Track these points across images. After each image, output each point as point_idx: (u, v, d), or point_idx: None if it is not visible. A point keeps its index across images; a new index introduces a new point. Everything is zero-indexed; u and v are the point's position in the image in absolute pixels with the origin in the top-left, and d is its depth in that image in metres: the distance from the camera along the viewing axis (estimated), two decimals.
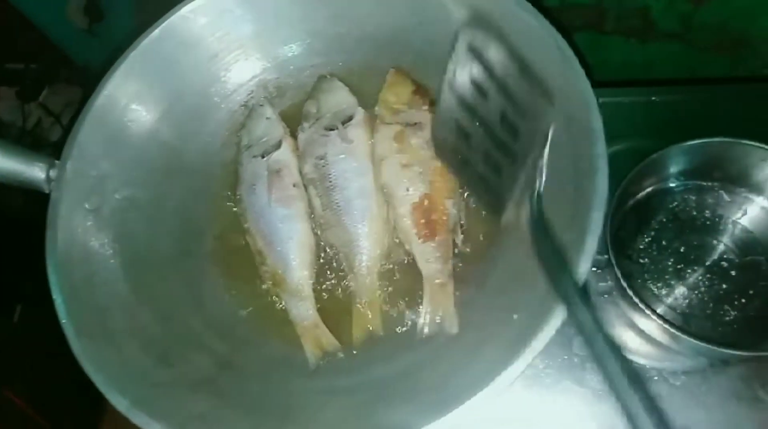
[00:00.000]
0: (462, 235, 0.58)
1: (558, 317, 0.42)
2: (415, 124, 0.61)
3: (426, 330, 0.55)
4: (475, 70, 0.37)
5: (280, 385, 0.53)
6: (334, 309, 0.59)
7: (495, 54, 0.37)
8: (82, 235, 0.55)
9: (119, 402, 0.47)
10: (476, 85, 0.38)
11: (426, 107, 0.62)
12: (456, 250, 0.58)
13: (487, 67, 0.38)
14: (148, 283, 0.58)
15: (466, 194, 0.60)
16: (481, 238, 0.58)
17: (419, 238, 0.57)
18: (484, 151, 0.41)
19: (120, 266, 0.56)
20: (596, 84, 0.49)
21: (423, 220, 0.57)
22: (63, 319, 0.50)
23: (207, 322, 0.58)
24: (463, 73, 0.38)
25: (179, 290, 0.59)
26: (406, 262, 0.59)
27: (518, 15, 0.53)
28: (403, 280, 0.59)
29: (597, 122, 0.47)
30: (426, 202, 0.58)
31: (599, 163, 0.45)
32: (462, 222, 0.59)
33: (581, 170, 0.47)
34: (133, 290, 0.56)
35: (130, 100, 0.60)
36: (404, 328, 0.56)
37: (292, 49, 0.67)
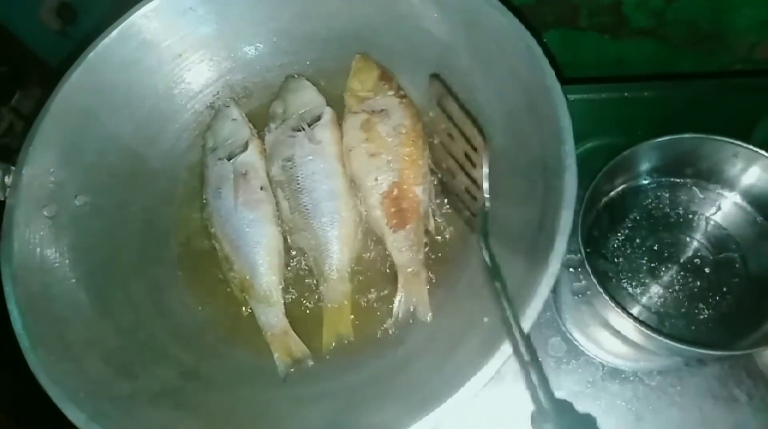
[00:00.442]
0: (433, 221, 0.58)
1: (528, 321, 0.42)
2: (381, 110, 0.60)
3: (400, 316, 0.54)
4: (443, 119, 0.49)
5: (249, 395, 0.52)
6: (304, 315, 0.57)
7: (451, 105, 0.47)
8: (40, 244, 0.53)
9: (76, 416, 0.45)
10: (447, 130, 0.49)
11: (391, 93, 0.61)
12: (427, 239, 0.57)
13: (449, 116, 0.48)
14: (110, 291, 0.56)
15: (436, 182, 0.59)
16: (452, 240, 0.57)
17: (390, 228, 0.56)
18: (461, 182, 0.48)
19: (80, 275, 0.54)
20: (568, 81, 0.49)
21: (393, 209, 0.57)
22: (18, 331, 0.48)
23: (172, 332, 0.56)
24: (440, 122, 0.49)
25: (142, 298, 0.57)
26: (377, 265, 0.58)
27: (487, 12, 0.52)
28: (374, 280, 0.58)
29: (566, 121, 0.46)
30: (395, 191, 0.57)
31: (568, 161, 0.45)
32: (432, 207, 0.58)
33: (551, 169, 0.47)
34: (94, 299, 0.54)
35: (88, 103, 0.58)
36: (376, 334, 0.55)
37: (259, 48, 0.65)
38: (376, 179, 0.58)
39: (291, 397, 0.52)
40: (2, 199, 0.53)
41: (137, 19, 0.59)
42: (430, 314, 0.54)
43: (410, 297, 0.55)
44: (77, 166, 0.58)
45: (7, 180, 0.53)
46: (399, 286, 0.55)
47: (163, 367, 0.53)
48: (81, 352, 0.50)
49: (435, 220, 0.58)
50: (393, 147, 0.58)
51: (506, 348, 0.41)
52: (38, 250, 0.53)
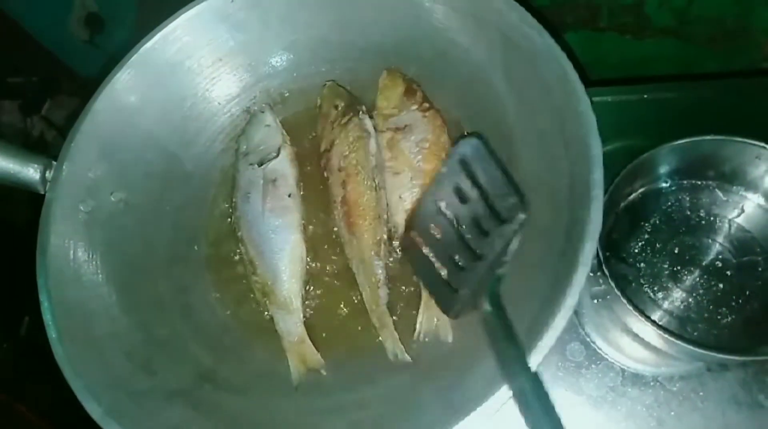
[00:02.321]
0: None
1: (546, 345, 0.41)
2: (405, 126, 0.60)
3: (422, 336, 0.54)
4: (461, 179, 0.40)
5: (263, 401, 0.52)
6: (323, 324, 0.58)
7: (482, 165, 0.40)
8: (74, 238, 0.54)
9: (94, 409, 0.45)
10: (459, 193, 0.41)
11: (415, 107, 0.60)
12: None
13: (473, 177, 0.40)
14: (138, 287, 0.57)
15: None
16: None
17: None
18: (450, 254, 0.42)
19: (110, 270, 0.55)
20: (588, 83, 0.47)
21: None
22: (47, 321, 0.50)
23: (194, 331, 0.57)
24: (450, 183, 0.41)
25: (168, 297, 0.58)
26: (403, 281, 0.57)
27: (524, 32, 0.51)
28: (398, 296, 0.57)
29: (596, 149, 0.45)
30: None
31: (595, 191, 0.44)
32: None
33: (577, 197, 0.45)
34: (122, 295, 0.55)
35: (129, 103, 0.60)
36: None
37: (296, 55, 0.66)
38: (400, 197, 0.58)
39: (304, 406, 0.52)
40: (42, 192, 0.55)
41: (180, 22, 0.60)
42: (451, 335, 0.53)
43: (432, 315, 0.54)
44: (115, 163, 0.59)
45: (48, 174, 0.56)
46: (421, 304, 0.54)
47: (182, 366, 0.53)
48: (105, 345, 0.51)
49: None
50: (416, 163, 0.58)
51: None
52: (72, 243, 0.54)
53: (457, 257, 0.42)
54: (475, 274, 0.41)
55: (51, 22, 0.91)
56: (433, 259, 0.44)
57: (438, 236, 0.43)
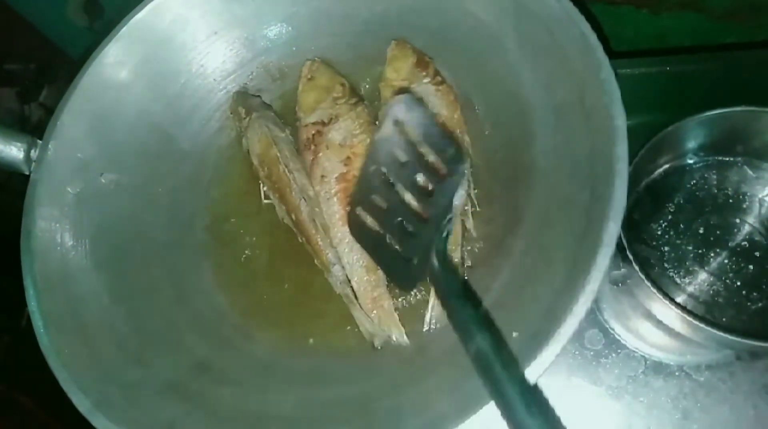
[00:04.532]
0: (472, 219, 0.53)
1: (566, 333, 0.38)
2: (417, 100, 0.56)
3: (433, 322, 0.50)
4: (398, 141, 0.38)
5: (260, 393, 0.48)
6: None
7: (417, 122, 0.37)
8: (61, 221, 0.51)
9: (81, 402, 0.42)
10: (397, 156, 0.39)
11: (427, 80, 0.56)
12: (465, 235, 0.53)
13: (409, 137, 0.38)
14: (130, 273, 0.53)
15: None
16: (483, 247, 0.53)
17: None
18: (398, 223, 0.41)
19: (100, 255, 0.52)
20: (610, 54, 0.44)
21: None
22: (33, 309, 0.46)
23: (189, 319, 0.53)
24: (386, 147, 0.39)
25: (162, 283, 0.54)
26: None
27: None
28: None
29: (620, 119, 0.41)
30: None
31: (619, 165, 0.40)
32: (475, 202, 0.54)
33: (599, 173, 0.42)
34: (113, 281, 0.51)
35: (120, 78, 0.56)
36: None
37: (296, 28, 0.62)
38: None
39: (303, 398, 0.49)
40: (27, 173, 0.52)
41: None
42: None
43: None
44: (105, 142, 0.55)
45: (33, 154, 0.52)
46: (432, 290, 0.51)
47: (176, 356, 0.50)
48: (94, 334, 0.48)
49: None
50: None
51: (536, 368, 0.38)
52: (59, 227, 0.51)
53: (406, 224, 0.40)
54: (426, 236, 0.39)
55: (49, 8, 0.88)
56: (383, 232, 0.42)
57: (383, 206, 0.41)
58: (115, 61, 0.56)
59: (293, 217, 0.55)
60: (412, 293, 0.53)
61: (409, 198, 0.40)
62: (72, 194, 0.53)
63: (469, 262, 0.53)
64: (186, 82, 0.61)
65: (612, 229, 0.38)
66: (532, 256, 0.46)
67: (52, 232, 0.51)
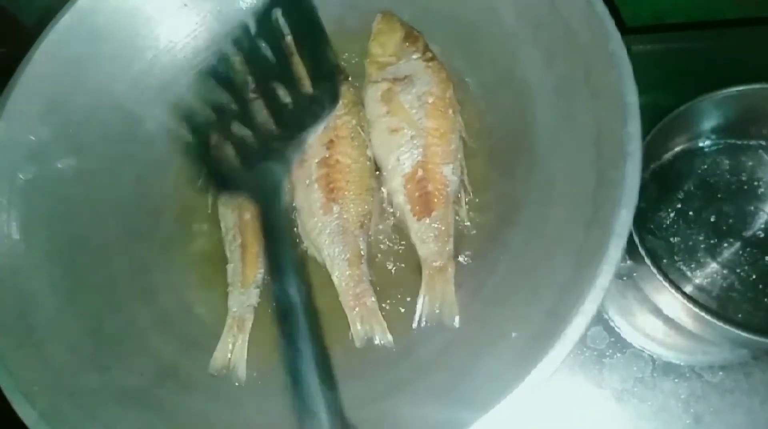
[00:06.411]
0: (466, 206, 0.50)
1: (566, 344, 0.34)
2: (405, 77, 0.52)
3: (424, 322, 0.47)
4: None
5: (228, 401, 0.44)
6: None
7: None
8: (10, 209, 0.46)
9: (27, 413, 0.38)
10: None
11: (417, 56, 0.53)
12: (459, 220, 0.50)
13: None
14: (88, 268, 0.48)
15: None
16: (478, 235, 0.49)
17: (414, 216, 0.49)
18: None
19: (55, 247, 0.47)
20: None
21: (417, 194, 0.49)
22: None
23: (155, 319, 0.49)
24: None
25: (124, 279, 0.50)
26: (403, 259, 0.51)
27: None
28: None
29: (632, 96, 0.38)
30: (420, 172, 0.50)
31: (631, 146, 0.36)
32: (468, 188, 0.51)
33: (607, 156, 0.38)
34: (68, 276, 0.47)
35: (78, 52, 0.51)
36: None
37: None
38: (398, 159, 0.50)
39: (281, 406, 0.45)
40: None
41: None
42: (457, 318, 0.46)
43: (435, 296, 0.47)
44: (62, 124, 0.50)
45: None
46: (422, 284, 0.47)
47: (138, 360, 0.45)
48: (45, 336, 0.43)
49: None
50: (417, 120, 0.50)
51: (539, 374, 0.34)
52: (7, 216, 0.46)
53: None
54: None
55: None
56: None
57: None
58: (73, 35, 0.51)
59: None
60: (399, 290, 0.49)
61: None
62: (24, 181, 0.48)
63: (461, 254, 0.49)
64: (153, 58, 0.56)
65: (624, 217, 0.35)
66: (532, 248, 0.43)
67: (1, 221, 0.46)
